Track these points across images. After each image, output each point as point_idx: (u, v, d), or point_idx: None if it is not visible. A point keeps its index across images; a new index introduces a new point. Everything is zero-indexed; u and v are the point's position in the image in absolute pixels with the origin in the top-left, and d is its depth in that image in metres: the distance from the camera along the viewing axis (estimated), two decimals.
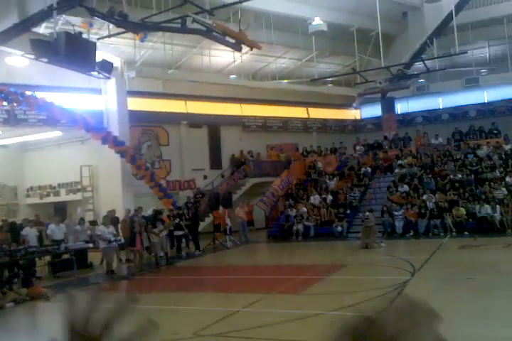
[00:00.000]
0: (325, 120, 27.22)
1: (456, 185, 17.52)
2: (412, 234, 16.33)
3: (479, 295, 7.54)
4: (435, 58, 20.24)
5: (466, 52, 19.82)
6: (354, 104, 28.34)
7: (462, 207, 16.12)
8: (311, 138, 26.23)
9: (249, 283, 10.21)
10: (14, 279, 9.59)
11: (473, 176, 17.93)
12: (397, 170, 19.92)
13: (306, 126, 26.57)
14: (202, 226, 19.14)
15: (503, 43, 23.20)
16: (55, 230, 13.32)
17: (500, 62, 24.53)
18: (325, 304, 7.45)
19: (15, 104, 15.60)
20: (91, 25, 13.95)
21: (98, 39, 14.13)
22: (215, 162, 22.97)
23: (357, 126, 28.30)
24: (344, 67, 24.97)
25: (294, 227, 17.78)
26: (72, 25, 13.04)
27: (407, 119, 26.72)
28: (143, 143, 20.61)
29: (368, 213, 15.01)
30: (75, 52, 11.36)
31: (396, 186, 18.60)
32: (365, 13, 19.90)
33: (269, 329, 6.30)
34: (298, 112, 26.39)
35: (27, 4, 11.99)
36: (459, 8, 19.72)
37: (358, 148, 23.10)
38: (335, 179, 20.54)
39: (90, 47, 12.26)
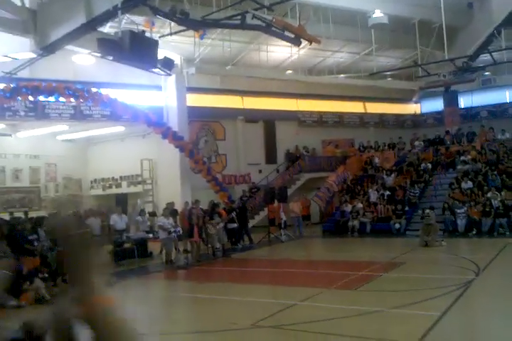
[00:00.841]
0: (382, 115, 26.60)
1: None
2: (475, 232, 15.68)
3: None
4: (503, 50, 19.23)
5: None
6: (414, 98, 27.50)
7: None
8: (368, 133, 25.72)
9: (306, 277, 10.21)
10: None
11: None
12: (459, 167, 19.16)
13: (362, 120, 26.10)
14: (257, 220, 19.36)
15: None
16: (118, 220, 13.87)
17: None
18: (383, 301, 7.34)
19: (81, 101, 16.35)
20: (153, 23, 14.38)
21: (160, 37, 14.56)
22: (271, 157, 23.06)
23: (416, 120, 27.45)
24: (404, 60, 24.22)
25: (350, 223, 17.56)
26: (136, 24, 13.52)
27: (471, 114, 25.60)
28: (200, 138, 21.03)
29: (428, 210, 14.54)
30: (138, 50, 11.74)
31: (459, 183, 17.91)
32: (427, 4, 19.19)
33: (326, 324, 6.28)
34: (354, 107, 25.95)
35: (93, 5, 12.48)
36: None
37: (416, 143, 22.41)
38: (393, 175, 20.07)
39: (153, 45, 12.64)
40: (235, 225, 15.10)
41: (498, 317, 6.38)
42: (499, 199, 15.92)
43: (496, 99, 25.18)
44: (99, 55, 13.25)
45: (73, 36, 13.30)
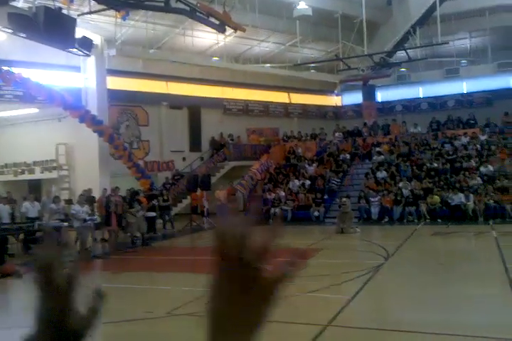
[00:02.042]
0: (306, 105, 27.25)
1: (432, 173, 17.86)
2: (387, 220, 16.66)
3: (448, 280, 7.76)
4: (417, 47, 20.38)
5: (447, 43, 20.02)
6: (335, 91, 28.42)
7: (436, 195, 16.47)
8: (292, 123, 26.27)
9: None
10: None
11: (449, 165, 18.30)
12: (375, 157, 20.17)
13: (287, 111, 26.57)
14: (180, 208, 19.18)
15: (484, 35, 23.45)
16: (30, 208, 13.16)
17: (481, 54, 24.82)
18: (299, 286, 7.57)
19: None
20: (71, 0, 13.60)
21: (78, 15, 13.82)
22: (195, 144, 22.86)
23: (338, 112, 28.42)
24: (327, 53, 24.92)
25: (272, 211, 17.92)
26: (53, 0, 12.70)
27: (387, 107, 26.94)
28: (121, 123, 20.34)
29: (344, 199, 15.20)
30: (54, 28, 11.12)
31: (374, 173, 18.87)
32: None
33: None
34: (279, 97, 26.34)
35: None
36: None
37: (336, 134, 23.25)
38: (314, 164, 20.70)
39: (70, 24, 11.99)
40: (154, 214, 14.86)
41: (403, 298, 6.83)
42: (409, 188, 17.00)
43: (410, 94, 26.69)
44: (10, 31, 12.34)
45: None
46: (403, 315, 6.07)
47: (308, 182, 19.30)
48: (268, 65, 24.03)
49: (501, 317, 5.62)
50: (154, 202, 15.03)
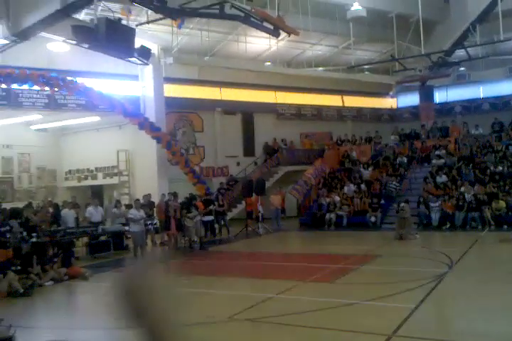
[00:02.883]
0: (360, 108, 26.81)
1: (496, 177, 17.00)
2: (448, 226, 15.98)
3: None
4: (478, 45, 19.52)
5: (510, 40, 19.02)
6: (391, 93, 27.77)
7: (502, 200, 15.64)
8: (346, 126, 25.90)
9: (283, 270, 10.24)
10: (54, 259, 9.92)
11: None
12: (434, 161, 19.47)
13: (340, 114, 26.24)
14: (234, 213, 19.33)
15: None
16: (94, 212, 13.66)
17: None
18: (359, 294, 7.41)
19: (56, 89, 15.95)
20: (130, 11, 14.08)
21: (137, 25, 14.26)
22: (249, 149, 23.01)
23: (393, 114, 27.77)
24: (382, 54, 24.40)
25: (327, 216, 17.68)
26: (112, 11, 13.20)
27: (446, 108, 26.03)
28: (178, 129, 20.83)
29: (403, 204, 14.74)
30: (114, 38, 11.49)
31: (433, 177, 18.20)
32: None
33: (302, 316, 6.31)
34: (333, 100, 26.07)
35: None
36: None
37: (392, 137, 22.67)
38: (369, 168, 20.28)
39: (129, 34, 12.38)
40: (211, 218, 15.06)
41: (469, 308, 6.52)
42: (472, 193, 16.24)
43: (470, 95, 25.64)
44: (74, 42, 12.92)
45: (47, 23, 12.94)
46: (469, 325, 5.79)
47: (363, 186, 18.91)
48: (321, 68, 23.81)
49: None
50: (211, 207, 15.23)
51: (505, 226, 14.95)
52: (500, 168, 17.49)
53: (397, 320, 5.83)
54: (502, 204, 15.47)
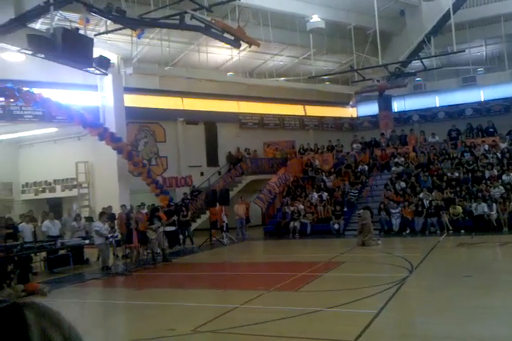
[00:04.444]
0: (322, 118, 27.23)
1: (453, 183, 17.58)
2: (408, 231, 16.39)
3: (475, 292, 7.55)
4: (432, 57, 20.27)
5: (463, 51, 19.81)
6: (351, 102, 28.37)
7: (459, 205, 16.16)
8: (308, 135, 26.24)
9: (247, 280, 10.20)
10: (11, 275, 9.54)
11: (470, 174, 17.99)
12: (394, 168, 19.95)
13: (302, 123, 26.57)
14: (198, 223, 19.17)
15: (499, 42, 23.25)
16: (51, 226, 13.27)
17: (497, 61, 24.59)
18: (323, 301, 7.45)
19: (11, 100, 15.48)
20: (88, 21, 13.87)
21: (95, 35, 14.06)
22: (212, 159, 22.94)
23: (354, 124, 28.34)
24: (341, 65, 24.94)
25: (291, 224, 17.79)
26: (69, 21, 12.98)
27: (404, 117, 26.81)
28: (140, 140, 20.55)
29: (361, 211, 15.01)
30: (71, 48, 11.29)
31: (393, 184, 18.64)
32: (362, 10, 19.88)
33: (267, 325, 6.28)
34: (295, 110, 26.39)
35: None
36: (456, 6, 19.69)
37: (354, 145, 23.11)
38: (332, 177, 20.56)
39: (87, 43, 12.18)
40: (174, 228, 14.89)
41: (430, 312, 6.65)
42: (430, 199, 16.72)
43: (427, 104, 26.51)
44: (30, 52, 12.61)
45: (1, 32, 12.58)
46: (431, 328, 5.90)
47: (325, 194, 19.15)
48: (283, 78, 24.12)
49: None
50: (174, 218, 15.05)
51: (463, 231, 15.45)
52: (457, 174, 18.10)
53: (360, 326, 5.88)
54: (459, 209, 15.98)
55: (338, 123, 27.90)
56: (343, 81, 25.27)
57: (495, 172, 17.67)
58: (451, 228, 15.73)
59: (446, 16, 19.80)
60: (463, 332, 5.59)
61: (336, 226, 17.35)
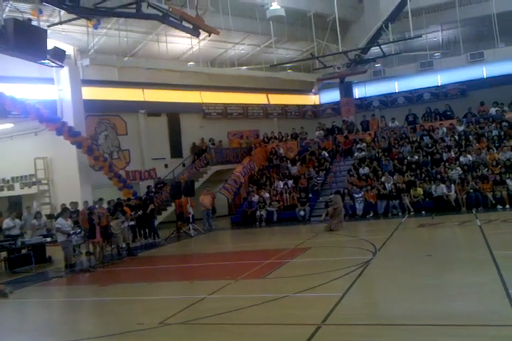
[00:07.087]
0: (285, 106, 27.34)
1: (413, 166, 18.02)
2: (372, 215, 16.76)
3: (436, 271, 7.81)
4: (390, 43, 20.56)
5: (420, 37, 20.22)
6: (313, 90, 28.56)
7: (419, 187, 16.62)
8: (272, 124, 26.32)
9: (214, 270, 10.21)
10: None
11: (429, 157, 18.47)
12: (356, 154, 20.27)
13: (266, 112, 26.61)
14: (164, 215, 19.01)
15: (455, 27, 23.78)
16: (11, 225, 12.88)
17: (453, 46, 25.19)
18: (289, 287, 7.54)
19: None
20: (40, 11, 13.39)
21: (49, 26, 13.59)
22: (176, 150, 22.72)
23: (316, 111, 28.59)
24: (302, 52, 25.03)
25: (257, 213, 17.88)
26: (21, 11, 12.50)
27: (365, 103, 27.22)
28: (100, 133, 20.12)
29: (332, 195, 15.25)
30: (24, 40, 10.88)
31: (356, 169, 18.95)
32: None
33: (234, 314, 6.31)
34: (258, 98, 26.38)
35: None
36: None
37: (317, 133, 23.33)
38: (297, 164, 20.72)
39: (41, 35, 11.74)
40: (133, 222, 14.75)
41: (395, 292, 6.83)
42: (392, 182, 17.11)
43: (387, 90, 26.97)
44: None
45: None
46: (396, 308, 6.06)
47: (290, 182, 19.31)
48: (244, 67, 24.01)
49: (491, 305, 5.65)
50: (139, 212, 14.87)
51: (423, 212, 15.93)
52: (416, 157, 18.57)
53: (326, 309, 5.98)
54: (419, 191, 16.43)
55: (301, 111, 28.07)
56: (304, 68, 25.38)
57: (452, 154, 18.22)
58: (412, 210, 16.18)
59: (403, 2, 20.09)
60: (427, 309, 5.76)
61: (302, 213, 17.55)
